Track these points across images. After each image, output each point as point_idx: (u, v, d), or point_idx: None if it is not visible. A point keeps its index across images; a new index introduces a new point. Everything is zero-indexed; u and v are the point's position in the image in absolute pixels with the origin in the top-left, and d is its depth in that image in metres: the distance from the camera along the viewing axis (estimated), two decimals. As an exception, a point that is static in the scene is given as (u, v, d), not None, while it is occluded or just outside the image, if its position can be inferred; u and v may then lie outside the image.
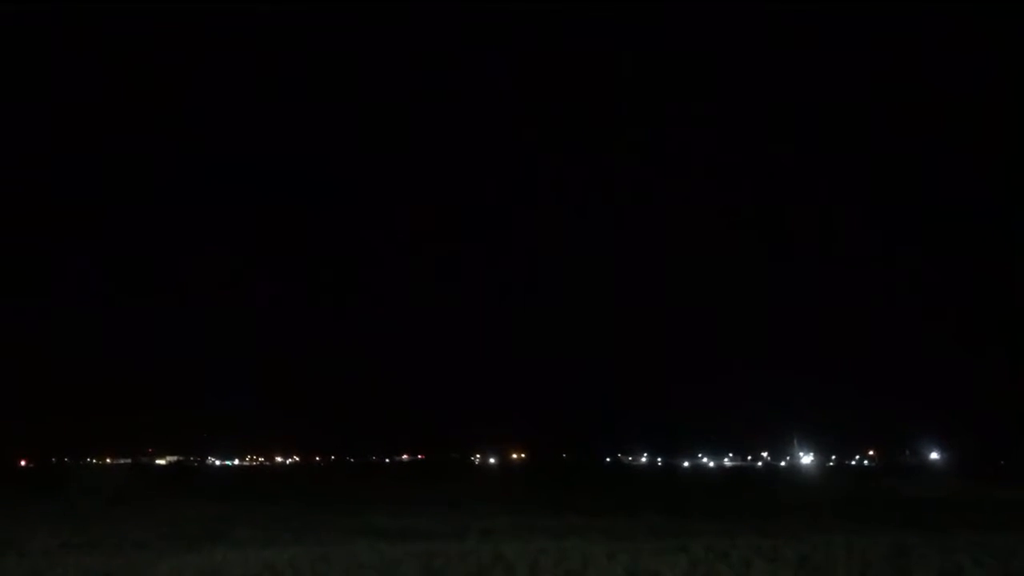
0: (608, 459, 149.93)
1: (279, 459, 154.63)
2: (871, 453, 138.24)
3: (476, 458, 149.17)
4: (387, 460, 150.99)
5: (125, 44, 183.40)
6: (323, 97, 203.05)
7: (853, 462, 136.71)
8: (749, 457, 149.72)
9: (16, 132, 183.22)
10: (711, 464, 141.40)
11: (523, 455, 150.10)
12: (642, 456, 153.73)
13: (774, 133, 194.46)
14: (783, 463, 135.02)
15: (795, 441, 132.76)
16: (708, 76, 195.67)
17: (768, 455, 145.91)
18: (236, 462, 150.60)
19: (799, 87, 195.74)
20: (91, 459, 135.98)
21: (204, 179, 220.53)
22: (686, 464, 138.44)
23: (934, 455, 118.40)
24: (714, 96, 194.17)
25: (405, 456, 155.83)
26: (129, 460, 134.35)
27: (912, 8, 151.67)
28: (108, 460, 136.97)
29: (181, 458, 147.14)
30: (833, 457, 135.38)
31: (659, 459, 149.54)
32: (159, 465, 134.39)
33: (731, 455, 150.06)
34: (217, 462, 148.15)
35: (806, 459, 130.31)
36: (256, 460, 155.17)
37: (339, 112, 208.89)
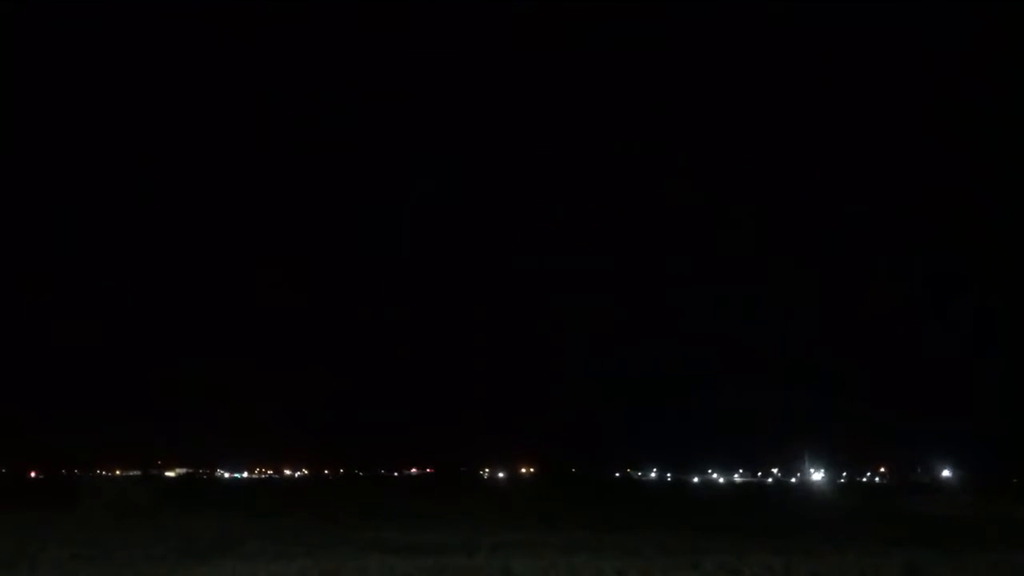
0: (617, 474, 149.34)
1: (288, 472, 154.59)
2: (882, 470, 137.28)
3: (485, 472, 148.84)
4: (396, 474, 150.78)
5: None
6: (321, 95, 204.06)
7: (864, 479, 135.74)
8: (759, 473, 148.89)
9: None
10: (721, 480, 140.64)
11: (532, 469, 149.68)
12: (651, 471, 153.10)
13: (772, 138, 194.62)
14: (794, 480, 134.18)
15: (806, 458, 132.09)
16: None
17: (779, 471, 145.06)
18: (245, 475, 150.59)
19: (799, 84, 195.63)
20: (101, 471, 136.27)
21: (194, 185, 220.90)
22: (696, 480, 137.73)
23: (946, 472, 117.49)
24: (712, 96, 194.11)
25: (414, 470, 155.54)
26: (139, 472, 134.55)
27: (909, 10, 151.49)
28: (118, 472, 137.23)
29: (191, 470, 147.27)
30: (844, 474, 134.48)
31: (668, 475, 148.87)
32: (169, 477, 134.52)
33: (741, 471, 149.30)
34: (226, 475, 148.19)
35: (817, 476, 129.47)
36: (265, 473, 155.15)
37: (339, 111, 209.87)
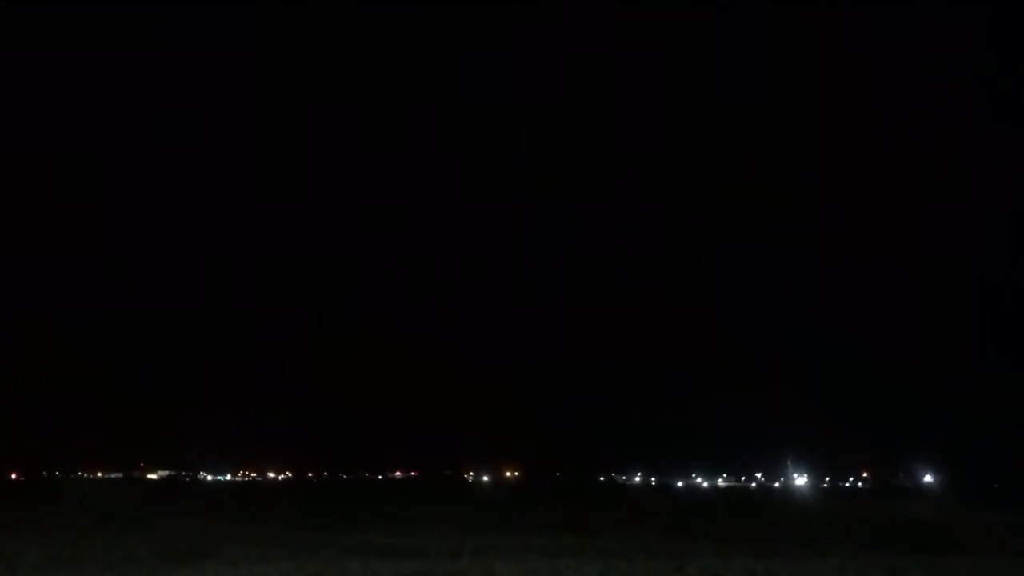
0: (601, 478, 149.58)
1: (271, 475, 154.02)
2: (865, 475, 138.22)
3: (469, 475, 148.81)
4: (380, 477, 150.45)
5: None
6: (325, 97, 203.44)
7: (847, 484, 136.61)
8: (743, 478, 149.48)
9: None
10: (705, 484, 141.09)
11: (516, 473, 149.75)
12: (636, 475, 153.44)
13: (770, 149, 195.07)
14: (777, 484, 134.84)
15: (789, 462, 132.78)
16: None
17: (762, 476, 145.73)
18: (228, 477, 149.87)
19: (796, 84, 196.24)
20: (82, 473, 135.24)
21: (192, 191, 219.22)
22: (680, 484, 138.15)
23: (928, 477, 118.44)
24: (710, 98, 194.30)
25: (398, 473, 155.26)
26: (121, 474, 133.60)
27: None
28: (99, 474, 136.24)
29: (173, 473, 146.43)
30: (827, 478, 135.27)
31: (652, 478, 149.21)
32: (151, 480, 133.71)
33: (725, 475, 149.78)
34: (209, 477, 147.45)
35: (800, 480, 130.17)
36: (248, 476, 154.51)
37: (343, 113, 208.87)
